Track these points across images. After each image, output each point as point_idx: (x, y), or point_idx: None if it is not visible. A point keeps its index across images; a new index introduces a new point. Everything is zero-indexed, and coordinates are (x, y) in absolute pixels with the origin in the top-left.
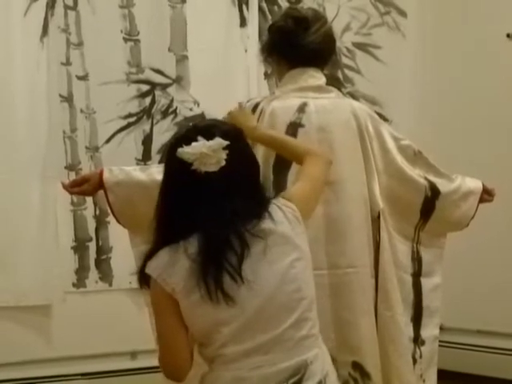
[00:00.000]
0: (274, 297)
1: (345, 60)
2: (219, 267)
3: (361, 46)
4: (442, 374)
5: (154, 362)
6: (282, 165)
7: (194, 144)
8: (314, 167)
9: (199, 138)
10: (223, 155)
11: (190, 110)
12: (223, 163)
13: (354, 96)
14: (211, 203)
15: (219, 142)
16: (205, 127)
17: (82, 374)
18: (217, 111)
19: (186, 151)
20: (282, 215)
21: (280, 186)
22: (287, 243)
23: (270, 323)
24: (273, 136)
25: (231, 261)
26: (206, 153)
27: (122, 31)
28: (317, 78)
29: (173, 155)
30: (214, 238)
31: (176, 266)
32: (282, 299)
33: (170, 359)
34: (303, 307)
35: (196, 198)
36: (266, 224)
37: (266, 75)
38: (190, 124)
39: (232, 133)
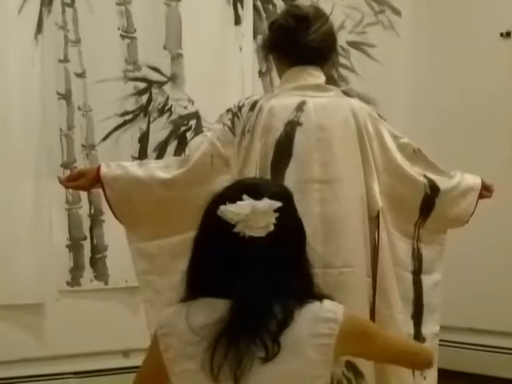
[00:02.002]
0: None
1: (339, 59)
2: (252, 338)
3: (355, 45)
4: None
5: None
6: (280, 163)
7: (239, 203)
8: (410, 342)
9: (245, 196)
10: (273, 219)
11: (185, 108)
12: (272, 228)
13: (348, 95)
14: (253, 274)
15: (270, 203)
16: (251, 185)
17: (75, 373)
18: (211, 109)
19: (230, 210)
20: (311, 313)
21: None
22: (293, 349)
23: None
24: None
25: (271, 328)
26: (254, 215)
27: (119, 28)
28: (316, 76)
29: (213, 212)
30: (251, 308)
31: (176, 329)
32: None
33: None
34: None
35: (235, 265)
36: (292, 307)
37: (261, 73)
38: (233, 181)
39: (282, 194)
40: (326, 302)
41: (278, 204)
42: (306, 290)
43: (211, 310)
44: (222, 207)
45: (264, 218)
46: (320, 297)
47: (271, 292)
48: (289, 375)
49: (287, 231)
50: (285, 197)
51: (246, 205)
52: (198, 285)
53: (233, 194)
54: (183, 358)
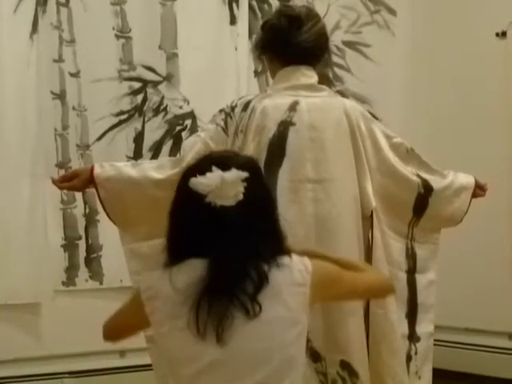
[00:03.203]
0: (241, 349)
1: (335, 58)
2: (226, 297)
3: (350, 45)
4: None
5: (142, 360)
6: (274, 163)
7: (208, 175)
8: (370, 276)
9: (214, 168)
10: (241, 188)
11: (180, 107)
12: (241, 197)
13: (343, 94)
14: (227, 237)
15: (237, 173)
16: (219, 157)
17: (71, 373)
18: (206, 109)
19: (201, 182)
20: (286, 266)
21: (270, 184)
22: (274, 298)
23: (231, 376)
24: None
25: (248, 290)
26: (223, 185)
27: (113, 28)
28: (309, 76)
29: (185, 185)
30: (227, 266)
31: (161, 291)
32: (249, 354)
33: (114, 332)
34: (270, 371)
35: (210, 232)
36: (266, 268)
37: (256, 73)
38: (203, 154)
39: (249, 164)
40: (294, 257)
41: (245, 174)
42: (277, 249)
43: (192, 270)
44: (193, 179)
45: (233, 187)
46: (288, 252)
47: (244, 255)
48: (269, 322)
49: (256, 199)
50: (252, 167)
51: (215, 176)
52: (177, 251)
53: (202, 166)
54: (170, 318)
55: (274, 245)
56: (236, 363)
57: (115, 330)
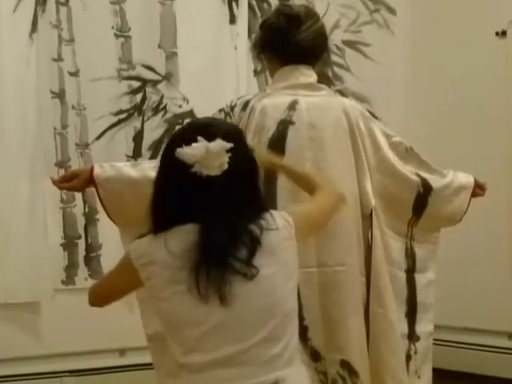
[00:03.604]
0: (245, 309)
1: (334, 58)
2: (223, 261)
3: (350, 44)
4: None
5: (143, 359)
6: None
7: (194, 145)
8: (327, 197)
9: (199, 138)
10: (226, 158)
11: (180, 107)
12: (226, 167)
13: (343, 94)
14: (214, 204)
15: (222, 144)
16: (204, 126)
17: (71, 371)
18: (206, 108)
19: (187, 152)
20: (272, 224)
21: (270, 183)
22: (270, 255)
23: (237, 335)
24: (290, 167)
25: (241, 255)
26: (209, 156)
27: (113, 27)
28: (308, 75)
29: (170, 154)
30: (220, 231)
31: (156, 257)
32: (253, 312)
33: (101, 297)
34: (274, 324)
35: (196, 200)
36: (257, 232)
37: (256, 72)
38: (187, 121)
39: (233, 134)
40: (275, 214)
41: (230, 145)
42: (261, 211)
43: (185, 235)
44: (179, 150)
45: (218, 158)
46: (267, 209)
47: (233, 220)
48: (269, 279)
49: (240, 168)
50: (236, 137)
51: (200, 147)
52: (165, 218)
53: (188, 135)
54: (169, 282)
55: (258, 208)
56: (241, 323)
57: (102, 295)
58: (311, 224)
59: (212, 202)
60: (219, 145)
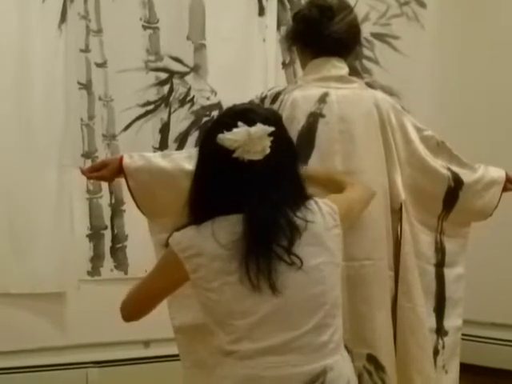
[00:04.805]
0: (296, 297)
1: (363, 50)
2: (268, 250)
3: (379, 37)
4: None
5: (167, 350)
6: (303, 155)
7: (235, 130)
8: (360, 190)
9: (239, 123)
10: (268, 142)
11: (207, 99)
12: (268, 151)
13: (372, 86)
14: (256, 191)
15: (264, 128)
16: (243, 111)
17: (95, 362)
18: (234, 101)
19: (228, 137)
20: (318, 212)
21: None
22: (317, 244)
23: (288, 324)
24: (315, 172)
25: (283, 243)
26: (251, 140)
27: (141, 19)
28: (340, 68)
29: (211, 141)
30: (262, 221)
31: (204, 248)
32: (304, 301)
33: (140, 306)
34: (324, 312)
35: (239, 186)
36: (301, 220)
37: (284, 65)
38: (226, 108)
39: (273, 118)
40: (319, 201)
41: (272, 129)
42: (304, 197)
43: (232, 225)
44: (221, 135)
45: (260, 142)
46: (311, 196)
47: (276, 209)
48: (318, 268)
49: (282, 151)
50: (275, 120)
51: (242, 132)
52: (207, 208)
53: (228, 121)
54: (219, 273)
55: (302, 193)
56: (293, 311)
57: (142, 303)
58: (351, 212)
59: (255, 187)
60: (261, 129)
